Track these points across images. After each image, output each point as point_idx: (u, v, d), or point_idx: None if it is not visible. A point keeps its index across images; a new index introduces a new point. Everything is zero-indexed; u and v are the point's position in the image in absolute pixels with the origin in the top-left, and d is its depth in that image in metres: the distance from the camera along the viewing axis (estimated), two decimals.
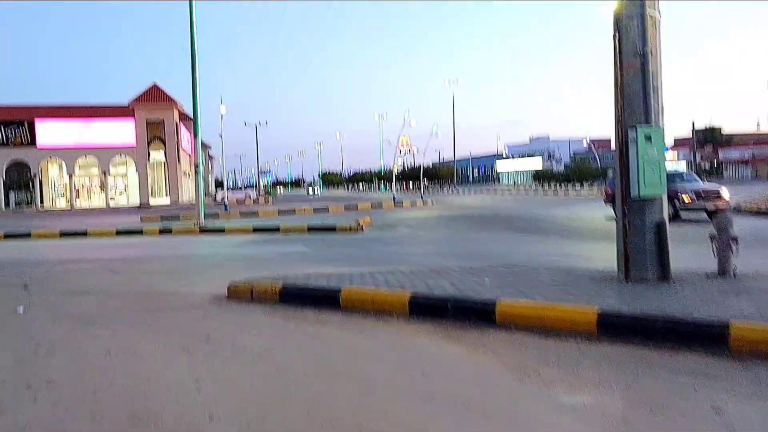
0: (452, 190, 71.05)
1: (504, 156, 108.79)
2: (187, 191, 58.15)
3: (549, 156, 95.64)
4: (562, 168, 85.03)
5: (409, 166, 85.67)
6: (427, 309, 5.32)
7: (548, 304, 4.87)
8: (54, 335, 5.30)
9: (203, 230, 17.64)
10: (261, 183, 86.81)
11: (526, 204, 29.22)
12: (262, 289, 6.49)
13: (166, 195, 52.00)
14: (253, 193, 68.10)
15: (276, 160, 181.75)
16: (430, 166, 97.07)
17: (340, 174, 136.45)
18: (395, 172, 43.98)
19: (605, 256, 9.80)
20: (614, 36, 5.54)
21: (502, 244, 12.46)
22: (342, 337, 5.00)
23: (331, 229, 16.52)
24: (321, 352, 4.55)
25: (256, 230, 17.16)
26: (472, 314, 5.08)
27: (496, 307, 4.97)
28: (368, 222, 18.90)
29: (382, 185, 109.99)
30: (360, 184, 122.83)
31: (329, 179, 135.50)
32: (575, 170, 71.55)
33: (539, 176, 77.65)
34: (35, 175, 48.50)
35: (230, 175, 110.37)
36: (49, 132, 48.26)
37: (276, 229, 16.97)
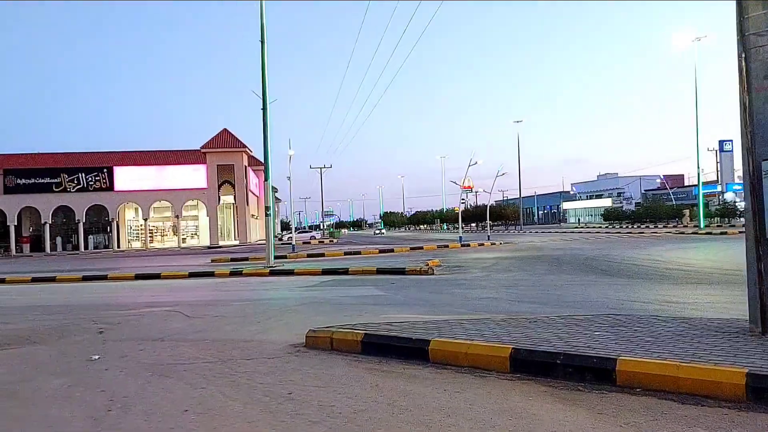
0: (518, 230, 69.43)
1: (572, 194, 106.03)
2: (255, 232, 59.33)
3: (618, 194, 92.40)
4: (633, 206, 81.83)
5: (471, 206, 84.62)
6: (531, 365, 4.69)
7: (683, 364, 4.15)
8: (128, 388, 4.98)
9: (273, 272, 17.52)
10: (324, 224, 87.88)
11: (600, 245, 27.85)
12: (343, 339, 6.03)
13: (235, 237, 53.15)
14: (317, 235, 68.80)
15: (338, 202, 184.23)
16: (494, 206, 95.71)
17: (402, 214, 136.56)
18: (459, 212, 43.26)
19: (716, 303, 8.87)
20: (740, 56, 4.90)
21: (588, 288, 11.58)
22: (438, 397, 4.43)
23: (401, 271, 16.04)
24: (417, 416, 4.00)
25: (325, 272, 16.89)
26: (588, 373, 4.42)
27: (618, 364, 4.30)
28: (437, 263, 18.32)
29: (443, 225, 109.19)
30: (421, 224, 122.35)
31: (390, 220, 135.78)
32: (648, 209, 68.56)
33: (609, 215, 74.89)
34: (113, 219, 50.63)
35: (294, 216, 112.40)
36: (126, 177, 50.52)
37: (345, 271, 16.64)
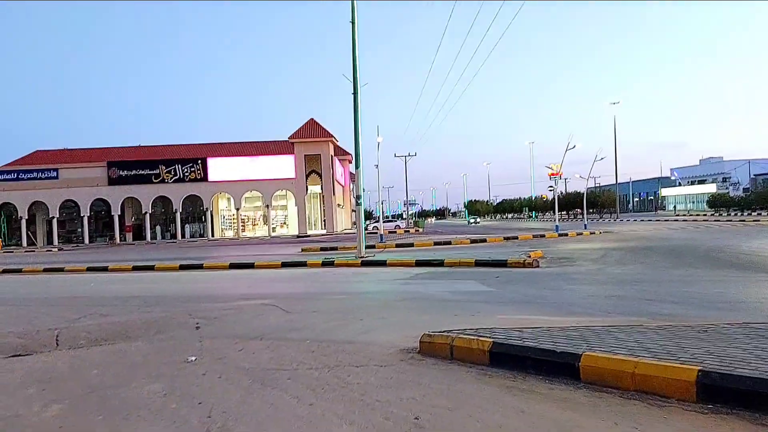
0: (614, 218, 65.78)
1: (672, 180, 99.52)
2: (341, 222, 59.60)
3: (724, 179, 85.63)
4: (740, 192, 75.57)
5: (561, 193, 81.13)
6: (728, 395, 3.61)
7: None
8: (227, 400, 4.34)
9: (365, 263, 16.91)
10: (408, 213, 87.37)
11: (715, 234, 25.35)
12: (467, 347, 5.15)
13: (322, 226, 53.57)
14: (402, 224, 68.30)
15: (420, 191, 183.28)
16: (587, 193, 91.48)
17: (487, 202, 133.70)
18: (551, 199, 41.24)
19: None
20: None
21: (728, 285, 10.06)
22: None
23: (502, 264, 14.94)
24: None
25: (419, 263, 16.08)
26: None
27: None
28: (540, 255, 17.04)
29: (532, 214, 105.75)
30: (507, 213, 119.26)
31: (475, 208, 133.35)
32: (760, 194, 62.96)
33: (715, 202, 69.54)
34: (207, 208, 52.32)
35: (377, 205, 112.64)
36: (219, 168, 51.98)
37: (441, 263, 15.74)
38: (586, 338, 4.95)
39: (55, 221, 51.92)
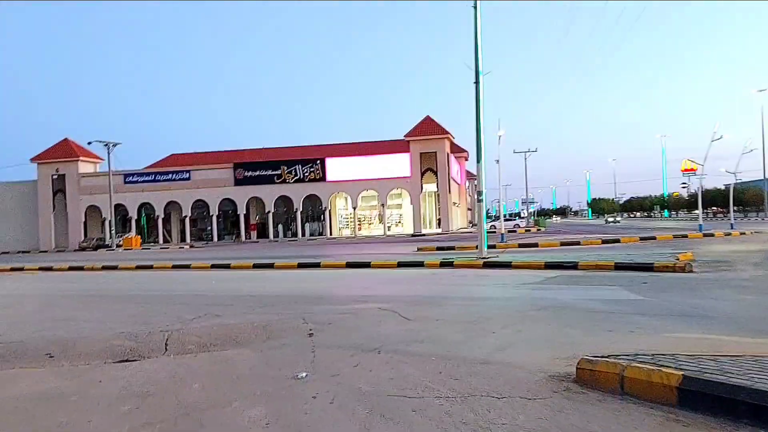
0: (763, 218, 59.00)
1: None
2: (456, 221, 58.38)
3: None
4: None
5: (697, 191, 74.26)
6: None
7: None
8: None
9: (487, 264, 15.72)
10: (528, 212, 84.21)
11: None
12: (645, 380, 3.94)
13: (437, 225, 52.67)
14: (522, 223, 65.74)
15: (539, 189, 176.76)
16: (724, 189, 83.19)
17: (612, 200, 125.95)
18: (685, 196, 37.35)
19: None
20: None
21: None
22: None
23: (647, 267, 13.13)
24: None
25: (549, 266, 14.61)
26: None
27: None
28: (690, 257, 14.94)
29: (664, 212, 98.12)
30: (636, 211, 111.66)
31: (599, 206, 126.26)
32: None
33: None
34: (325, 208, 53.30)
35: (493, 204, 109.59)
36: (336, 168, 52.74)
37: (574, 266, 14.18)
38: None
39: (187, 220, 55.27)
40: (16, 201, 57.78)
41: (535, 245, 24.35)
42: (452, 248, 24.18)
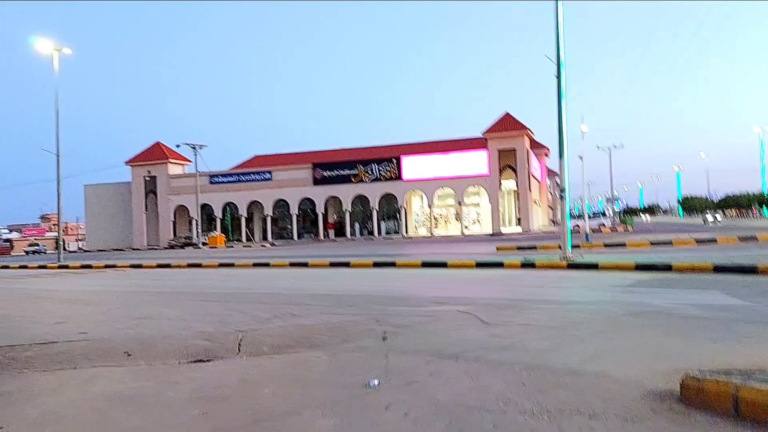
0: None
1: None
2: (536, 219, 56.75)
3: None
4: None
5: None
6: None
7: None
8: None
9: (572, 265, 14.96)
10: (613, 210, 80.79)
11: None
12: (766, 403, 3.41)
13: (517, 224, 51.39)
14: (607, 222, 63.08)
15: (625, 186, 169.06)
16: None
17: (705, 198, 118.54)
18: None
19: None
20: None
21: None
22: None
23: (750, 270, 12.02)
24: None
25: (639, 267, 13.70)
26: None
27: None
28: None
29: (764, 210, 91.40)
30: (731, 209, 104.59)
31: (690, 205, 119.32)
32: None
33: None
34: (401, 206, 53.24)
35: (575, 202, 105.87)
36: (412, 167, 52.56)
37: (667, 267, 13.22)
38: None
39: (269, 219, 56.81)
40: (113, 201, 61.47)
41: (623, 245, 23.13)
42: (533, 248, 23.37)
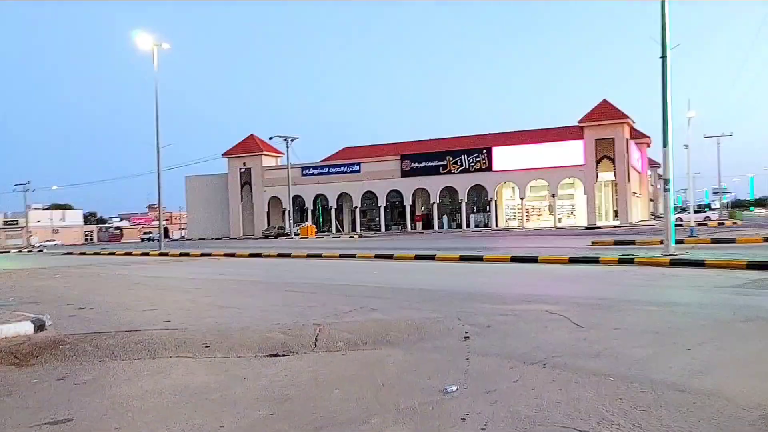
0: None
1: None
2: (636, 212, 53.73)
3: None
4: None
5: None
6: None
7: None
8: None
9: (675, 262, 13.81)
10: (720, 203, 75.31)
11: None
12: None
13: (614, 217, 48.88)
14: (713, 215, 58.77)
15: (734, 178, 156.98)
16: None
17: None
18: None
19: None
20: None
21: None
22: None
23: None
24: None
25: (752, 266, 12.41)
26: None
27: None
28: None
29: None
30: None
31: None
32: None
33: None
34: (491, 198, 52.08)
35: (679, 195, 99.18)
36: (503, 157, 51.23)
37: None
38: None
39: (357, 210, 57.44)
40: (211, 192, 64.46)
41: (732, 241, 21.24)
42: (632, 243, 21.96)
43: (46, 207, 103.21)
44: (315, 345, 6.02)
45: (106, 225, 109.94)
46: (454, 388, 4.37)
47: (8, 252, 44.09)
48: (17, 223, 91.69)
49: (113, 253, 30.68)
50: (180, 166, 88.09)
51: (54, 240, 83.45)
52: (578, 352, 5.42)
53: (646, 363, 4.97)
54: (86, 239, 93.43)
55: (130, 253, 29.87)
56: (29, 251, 39.83)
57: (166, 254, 27.41)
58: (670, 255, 14.64)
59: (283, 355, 5.62)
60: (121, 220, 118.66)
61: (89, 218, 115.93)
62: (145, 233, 79.23)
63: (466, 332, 6.39)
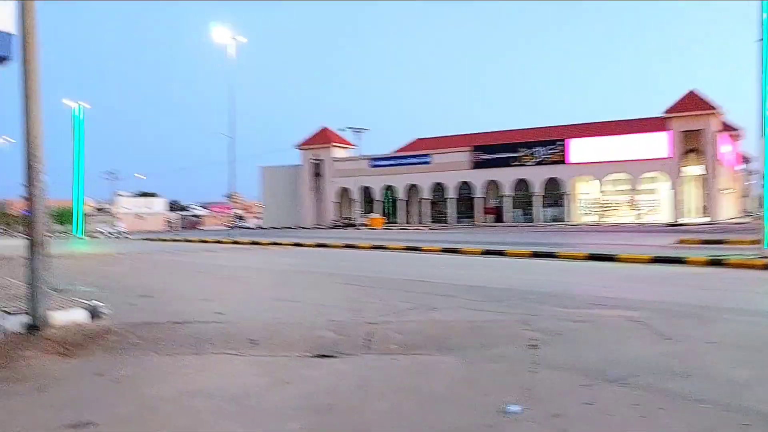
0: None
1: None
2: (726, 209, 50.30)
3: None
4: None
5: None
6: None
7: None
8: None
9: None
10: None
11: None
12: None
13: (702, 213, 45.94)
14: None
15: None
16: None
17: None
18: None
19: None
20: None
21: None
22: None
23: None
24: None
25: None
26: None
27: None
28: None
29: None
30: None
31: None
32: None
33: None
34: (566, 192, 50.14)
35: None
36: (580, 150, 49.17)
37: None
38: None
39: (426, 202, 56.83)
40: (284, 182, 65.63)
41: None
42: (721, 242, 20.28)
43: (136, 194, 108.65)
44: (366, 347, 5.59)
45: (186, 213, 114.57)
46: (516, 408, 3.82)
47: (96, 237, 46.49)
48: (107, 210, 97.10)
49: (189, 240, 31.58)
50: (257, 156, 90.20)
51: (139, 225, 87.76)
52: (664, 369, 4.71)
53: (745, 388, 4.23)
54: (169, 226, 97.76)
55: (205, 241, 30.64)
56: (116, 237, 41.89)
57: (238, 242, 27.90)
58: (766, 257, 13.26)
59: (332, 357, 5.22)
60: (201, 208, 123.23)
61: (173, 206, 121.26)
62: (227, 223, 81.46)
63: (533, 340, 5.78)
